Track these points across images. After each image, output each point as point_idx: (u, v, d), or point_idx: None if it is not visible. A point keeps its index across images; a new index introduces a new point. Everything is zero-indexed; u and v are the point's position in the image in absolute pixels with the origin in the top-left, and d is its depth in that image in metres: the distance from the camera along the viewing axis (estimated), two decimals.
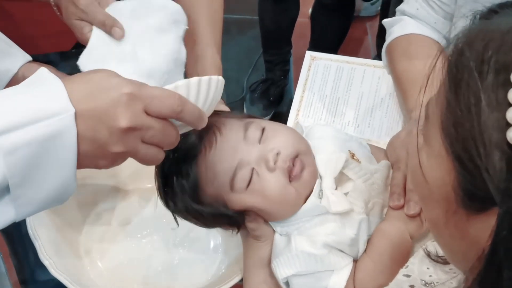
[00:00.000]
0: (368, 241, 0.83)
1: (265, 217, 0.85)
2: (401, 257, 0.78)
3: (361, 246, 0.82)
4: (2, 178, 0.59)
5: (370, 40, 2.91)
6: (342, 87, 1.30)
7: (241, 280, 0.95)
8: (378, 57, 2.40)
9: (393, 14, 1.21)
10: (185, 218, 0.91)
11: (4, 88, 0.84)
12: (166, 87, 0.69)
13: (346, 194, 0.84)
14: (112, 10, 0.91)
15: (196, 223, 0.92)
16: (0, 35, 0.94)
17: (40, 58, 1.05)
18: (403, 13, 1.17)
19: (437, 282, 0.68)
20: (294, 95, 1.30)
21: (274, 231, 0.86)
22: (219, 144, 0.84)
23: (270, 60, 2.61)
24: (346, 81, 1.31)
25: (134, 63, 0.90)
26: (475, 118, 0.47)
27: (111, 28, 0.90)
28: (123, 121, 0.64)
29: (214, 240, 1.11)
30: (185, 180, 0.85)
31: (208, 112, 0.74)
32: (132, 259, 1.09)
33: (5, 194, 0.61)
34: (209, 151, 0.84)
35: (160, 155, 0.70)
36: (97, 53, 0.91)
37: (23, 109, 0.60)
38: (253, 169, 0.83)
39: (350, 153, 0.88)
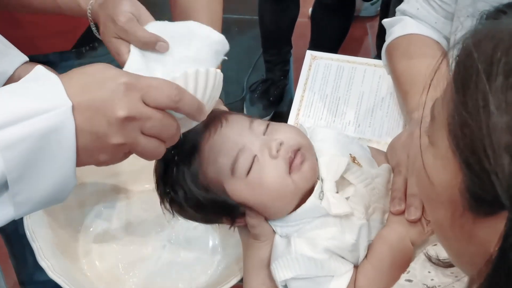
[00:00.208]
0: (369, 247, 0.82)
1: (262, 213, 0.84)
2: (402, 263, 0.78)
3: (362, 252, 0.81)
4: (0, 174, 0.58)
5: (370, 40, 2.91)
6: (343, 87, 1.29)
7: (240, 281, 0.95)
8: (378, 57, 2.38)
9: (393, 14, 1.21)
10: (183, 212, 0.89)
11: None
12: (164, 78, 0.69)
13: (347, 198, 0.83)
14: (150, 30, 0.87)
15: (194, 218, 0.91)
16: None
17: (40, 58, 1.05)
18: (403, 13, 1.16)
19: (439, 286, 0.67)
20: (294, 95, 1.29)
21: (274, 231, 0.85)
22: (224, 129, 0.84)
23: (270, 60, 2.61)
24: (347, 80, 1.30)
25: None
26: (484, 120, 0.46)
27: (154, 44, 0.85)
28: (121, 111, 0.63)
29: (213, 240, 1.11)
30: (187, 164, 0.84)
31: (208, 106, 0.73)
32: (131, 260, 1.09)
33: (3, 191, 0.60)
34: (213, 134, 0.84)
35: (161, 148, 0.69)
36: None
37: (20, 105, 0.60)
38: (255, 156, 0.82)
39: (351, 156, 0.88)
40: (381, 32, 2.48)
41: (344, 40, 2.58)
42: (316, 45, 2.44)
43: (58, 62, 1.22)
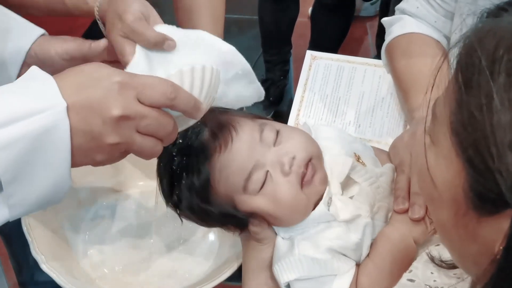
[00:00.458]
0: (372, 245, 0.82)
1: (272, 222, 0.84)
2: (404, 262, 0.77)
3: (365, 251, 0.81)
4: None
5: (370, 40, 2.91)
6: (343, 87, 1.29)
7: (238, 281, 0.95)
8: (378, 57, 2.38)
9: (393, 14, 1.20)
10: (187, 216, 0.89)
11: (20, 68, 0.83)
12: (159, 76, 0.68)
13: (351, 197, 0.83)
14: (159, 31, 0.84)
15: (197, 222, 0.90)
16: (11, 14, 0.90)
17: None
18: (403, 12, 1.16)
19: (441, 287, 0.67)
20: (294, 95, 1.29)
21: (276, 233, 0.85)
22: (235, 143, 0.82)
23: (270, 60, 2.61)
24: (347, 80, 1.30)
25: None
26: (487, 118, 0.46)
27: (162, 44, 0.82)
28: (116, 110, 0.62)
29: (211, 239, 1.11)
30: (196, 177, 0.82)
31: (206, 103, 0.72)
32: (130, 259, 1.09)
33: None
34: (224, 150, 0.82)
35: (158, 147, 0.68)
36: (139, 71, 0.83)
37: (14, 105, 0.59)
38: (267, 171, 0.81)
39: (356, 155, 0.87)
40: (381, 32, 2.48)
41: (344, 40, 2.57)
42: (316, 45, 2.44)
43: None
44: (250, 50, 2.78)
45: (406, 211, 0.83)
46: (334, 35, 2.53)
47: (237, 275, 0.97)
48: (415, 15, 1.13)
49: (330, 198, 0.82)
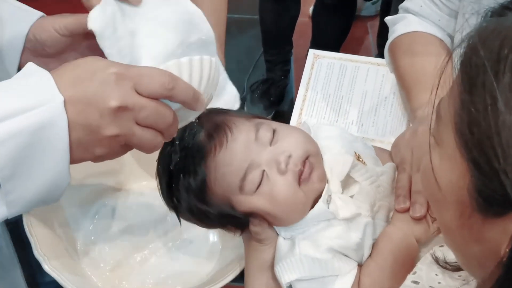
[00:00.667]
0: (373, 245, 0.81)
1: (272, 222, 0.83)
2: (407, 261, 0.77)
3: (366, 251, 0.81)
4: None
5: (371, 39, 2.91)
6: (346, 86, 1.29)
7: (240, 280, 0.94)
8: (379, 56, 2.37)
9: (395, 13, 1.20)
10: (187, 217, 0.89)
11: (20, 54, 0.82)
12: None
13: (351, 196, 0.83)
14: None
15: (197, 223, 0.90)
16: None
17: None
18: (406, 11, 1.16)
19: None
20: (295, 95, 1.29)
21: (277, 234, 0.84)
22: (230, 144, 0.82)
23: (271, 60, 2.61)
24: (350, 79, 1.29)
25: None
26: (492, 118, 0.45)
27: None
28: (113, 101, 0.62)
29: (213, 239, 1.11)
30: (192, 178, 0.83)
31: (206, 95, 0.71)
32: (130, 259, 1.08)
33: None
34: (219, 150, 0.82)
35: (158, 139, 0.67)
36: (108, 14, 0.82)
37: (11, 100, 0.59)
38: (263, 171, 0.81)
39: (356, 154, 0.87)
40: (382, 32, 2.50)
41: (345, 40, 2.57)
42: (317, 44, 2.43)
43: None
44: (251, 50, 2.78)
45: (407, 210, 0.83)
46: (335, 35, 2.53)
47: (240, 276, 0.97)
48: (419, 14, 1.13)
49: (330, 196, 0.82)
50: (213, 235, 1.11)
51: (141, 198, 1.15)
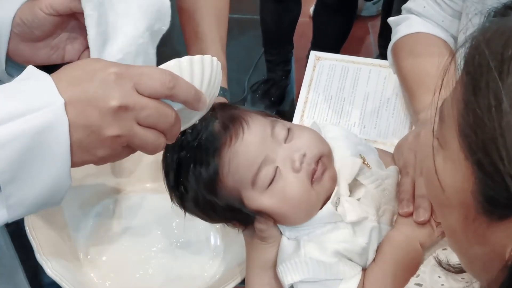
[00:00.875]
0: (377, 249, 0.81)
1: (279, 220, 0.83)
2: (411, 266, 0.77)
3: (371, 255, 0.81)
4: None
5: (372, 39, 2.90)
6: (348, 87, 1.28)
7: (241, 283, 0.94)
8: (380, 56, 2.40)
9: (397, 13, 1.19)
10: (190, 209, 0.87)
11: (8, 39, 0.81)
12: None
13: (358, 199, 0.83)
14: None
15: (199, 215, 0.88)
16: None
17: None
18: (409, 11, 1.15)
19: None
20: (295, 95, 1.28)
21: (281, 233, 0.84)
22: (246, 136, 0.81)
23: (271, 60, 2.60)
24: (352, 81, 1.29)
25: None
26: (496, 120, 0.45)
27: None
28: (114, 101, 0.61)
29: (214, 241, 1.10)
30: (204, 169, 0.81)
31: (209, 96, 0.71)
32: (132, 260, 1.08)
33: None
34: (235, 141, 0.81)
35: (160, 140, 0.66)
36: None
37: (11, 104, 0.58)
38: (277, 167, 0.81)
39: (361, 157, 0.86)
40: (383, 32, 2.50)
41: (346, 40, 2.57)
42: (318, 45, 2.43)
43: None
44: (251, 50, 2.78)
45: (410, 215, 0.82)
46: (335, 35, 2.53)
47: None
48: (422, 15, 1.12)
49: (338, 199, 0.82)
50: (214, 237, 1.10)
51: (143, 200, 1.15)
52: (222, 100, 0.98)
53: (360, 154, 0.87)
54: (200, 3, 1.09)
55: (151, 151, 0.67)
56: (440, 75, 0.54)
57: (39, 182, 0.61)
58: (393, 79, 1.22)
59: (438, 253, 0.69)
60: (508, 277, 0.46)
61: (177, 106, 0.67)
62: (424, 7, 1.11)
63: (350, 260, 0.79)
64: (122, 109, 0.62)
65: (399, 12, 1.19)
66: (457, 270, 0.65)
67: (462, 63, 0.50)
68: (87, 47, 0.83)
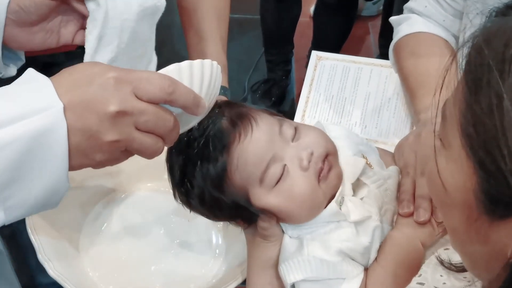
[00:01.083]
0: (379, 249, 0.81)
1: (284, 219, 0.83)
2: (412, 265, 0.77)
3: (373, 254, 0.81)
4: None
5: (372, 39, 2.90)
6: (349, 87, 1.28)
7: (243, 283, 0.94)
8: (381, 56, 2.40)
9: (398, 13, 1.19)
10: (195, 206, 0.87)
11: (3, 26, 0.81)
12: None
13: (361, 199, 0.83)
14: None
15: (204, 213, 0.88)
16: None
17: (45, 58, 1.04)
18: (411, 11, 1.15)
19: None
20: (295, 95, 1.28)
21: (283, 232, 0.84)
22: (255, 133, 0.81)
23: (272, 60, 2.61)
24: (353, 81, 1.29)
25: None
26: (498, 119, 0.45)
27: None
28: (112, 106, 0.61)
29: (215, 241, 1.10)
30: (211, 165, 0.81)
31: (208, 100, 0.70)
32: (132, 260, 1.08)
33: None
34: (243, 138, 0.80)
35: (159, 145, 0.66)
36: None
37: (10, 107, 0.59)
38: (285, 165, 0.81)
39: (364, 157, 0.87)
40: (384, 31, 2.50)
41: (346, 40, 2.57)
42: (318, 44, 2.43)
43: (64, 62, 1.20)
44: (251, 50, 2.78)
45: (411, 215, 0.82)
46: (336, 35, 2.53)
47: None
48: (423, 14, 1.12)
49: (342, 198, 0.82)
50: (216, 237, 1.10)
51: (143, 200, 1.15)
52: (223, 99, 0.98)
53: (362, 154, 0.88)
54: (201, 3, 1.09)
55: (149, 155, 0.67)
56: (441, 75, 0.54)
57: (37, 185, 0.61)
58: (394, 79, 1.22)
59: (440, 253, 0.69)
60: (510, 275, 0.46)
61: (176, 110, 0.67)
62: (426, 6, 1.11)
63: (353, 259, 0.79)
64: (121, 114, 0.62)
65: (400, 12, 1.19)
66: (459, 269, 0.65)
67: (464, 63, 0.50)
68: (80, 29, 0.84)
